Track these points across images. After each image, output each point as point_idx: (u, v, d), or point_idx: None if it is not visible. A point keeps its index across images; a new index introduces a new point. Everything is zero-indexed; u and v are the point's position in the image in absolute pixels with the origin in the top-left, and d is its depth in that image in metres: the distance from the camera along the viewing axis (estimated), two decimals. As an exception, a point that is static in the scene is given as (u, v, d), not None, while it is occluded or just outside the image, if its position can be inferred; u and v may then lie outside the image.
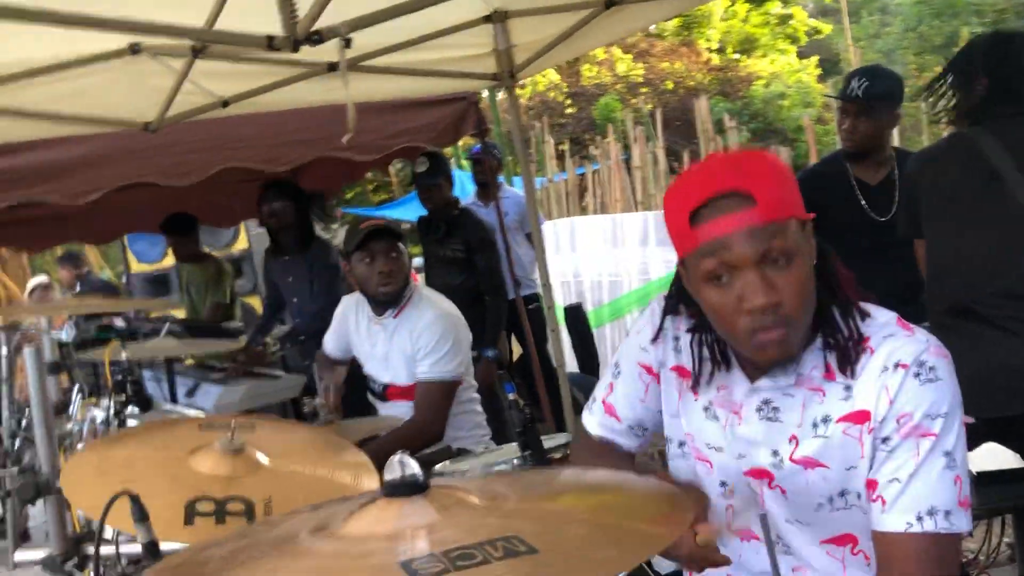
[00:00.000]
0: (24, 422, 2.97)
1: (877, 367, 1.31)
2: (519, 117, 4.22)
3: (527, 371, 4.91)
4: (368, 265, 2.91)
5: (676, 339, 1.54)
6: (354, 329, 3.16)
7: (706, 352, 1.46)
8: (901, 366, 1.29)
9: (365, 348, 3.12)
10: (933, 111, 2.72)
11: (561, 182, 9.19)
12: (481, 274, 4.48)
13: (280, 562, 0.86)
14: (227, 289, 5.80)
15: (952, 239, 2.59)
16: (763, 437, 1.41)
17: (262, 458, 1.62)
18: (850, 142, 3.24)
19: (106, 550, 1.63)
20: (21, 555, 1.96)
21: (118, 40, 2.89)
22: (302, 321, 4.51)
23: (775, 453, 1.40)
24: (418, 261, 5.42)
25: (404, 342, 2.95)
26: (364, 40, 2.76)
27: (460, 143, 5.84)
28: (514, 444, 2.47)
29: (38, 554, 1.85)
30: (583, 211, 8.78)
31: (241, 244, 8.10)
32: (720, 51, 18.98)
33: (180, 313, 5.58)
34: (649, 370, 1.58)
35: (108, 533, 1.61)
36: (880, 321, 1.37)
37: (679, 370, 1.53)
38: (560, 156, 10.32)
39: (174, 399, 3.75)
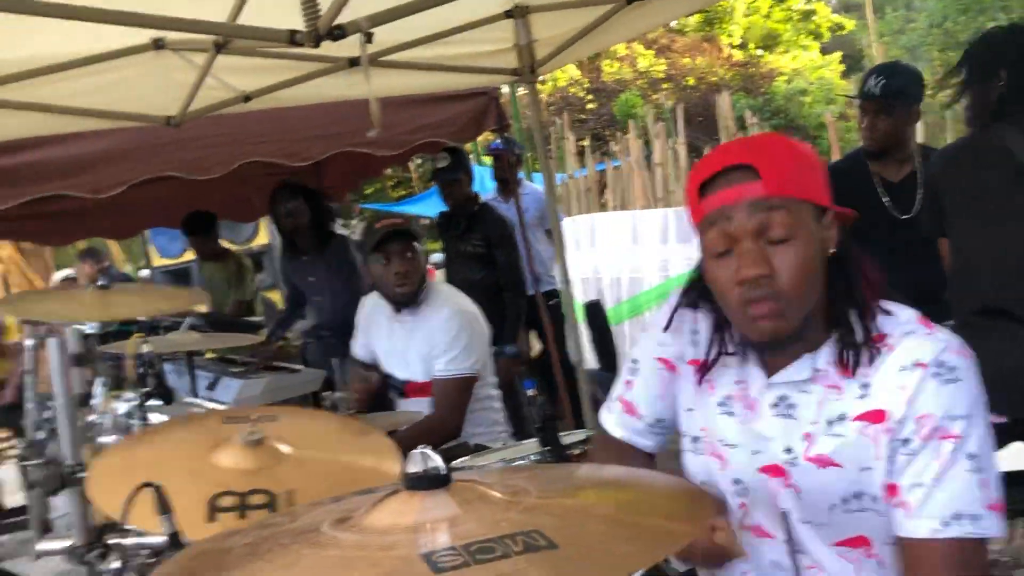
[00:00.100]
0: (48, 414, 2.99)
1: (895, 365, 1.29)
2: (539, 113, 4.22)
3: (546, 367, 4.90)
4: (384, 266, 2.92)
5: (695, 332, 1.53)
6: (375, 327, 3.17)
7: (725, 346, 1.45)
8: (920, 365, 1.27)
9: (384, 346, 3.14)
10: (945, 107, 2.70)
11: (581, 178, 9.17)
12: (501, 270, 4.48)
13: (303, 551, 0.86)
14: (248, 286, 5.84)
15: (979, 237, 2.56)
16: (778, 433, 1.40)
17: (284, 448, 1.63)
18: (869, 140, 3.22)
19: (129, 541, 1.64)
20: (44, 545, 1.98)
21: (142, 35, 2.92)
22: (325, 318, 4.52)
23: (789, 450, 1.38)
24: (438, 256, 5.43)
25: (421, 339, 2.96)
26: (385, 35, 2.77)
27: (479, 139, 5.85)
28: (533, 440, 2.47)
29: (61, 544, 1.86)
30: (603, 208, 8.76)
31: (261, 239, 8.15)
32: (742, 47, 18.90)
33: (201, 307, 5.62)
34: (668, 364, 1.57)
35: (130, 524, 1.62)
36: (901, 319, 1.35)
37: (696, 363, 1.52)
38: (580, 152, 10.30)
39: (195, 392, 3.79)
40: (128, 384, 2.88)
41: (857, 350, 1.32)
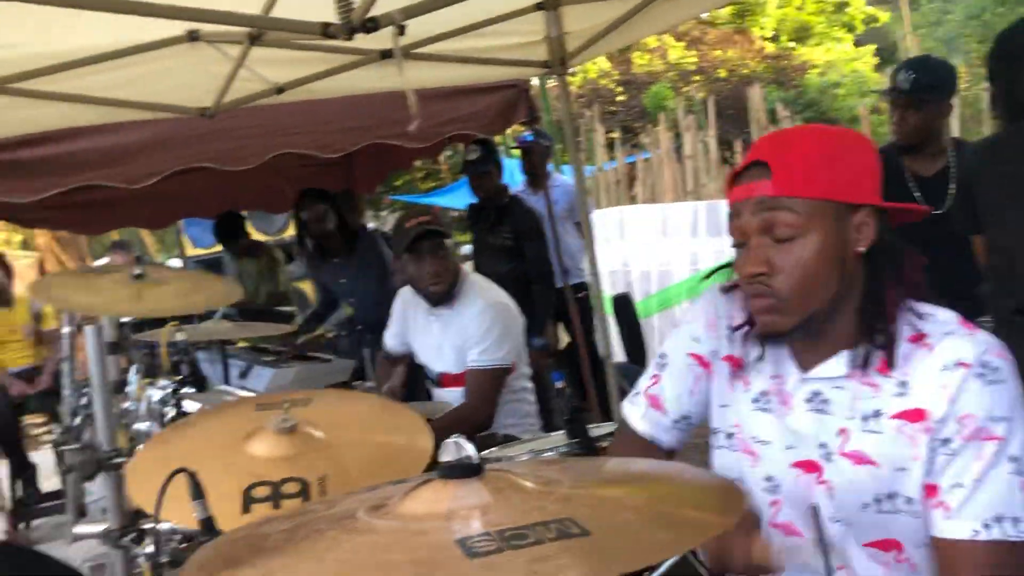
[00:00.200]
0: (85, 400, 3.05)
1: (936, 365, 1.28)
2: (569, 105, 4.21)
3: (574, 360, 4.91)
4: (417, 266, 2.94)
5: (731, 327, 1.52)
6: (411, 321, 3.20)
7: (759, 340, 1.45)
8: (962, 365, 1.26)
9: (420, 339, 3.17)
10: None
11: (611, 171, 9.14)
12: (529, 262, 4.49)
13: (340, 537, 0.88)
14: (280, 277, 5.92)
15: (1018, 234, 2.52)
16: (812, 429, 1.39)
17: (316, 433, 1.64)
18: (900, 135, 3.18)
19: (163, 526, 1.67)
20: (80, 528, 2.02)
21: (177, 27, 2.95)
22: (358, 316, 4.56)
23: (823, 446, 1.37)
24: (467, 248, 5.44)
25: (455, 332, 2.99)
26: (416, 27, 2.78)
27: (509, 131, 5.85)
28: (561, 432, 2.48)
29: (97, 528, 1.89)
30: (632, 200, 8.73)
31: (293, 230, 8.21)
32: (774, 39, 18.72)
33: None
34: (701, 360, 1.56)
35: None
36: (940, 319, 1.34)
37: (731, 359, 1.51)
38: (610, 145, 10.27)
39: (227, 381, 3.83)
40: (162, 372, 2.92)
41: (888, 347, 1.31)
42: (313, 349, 4.42)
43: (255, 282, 5.79)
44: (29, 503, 5.55)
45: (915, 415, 1.29)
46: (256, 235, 7.50)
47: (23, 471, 5.61)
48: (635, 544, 0.82)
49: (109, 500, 1.87)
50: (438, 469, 0.94)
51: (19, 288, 6.22)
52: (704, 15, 17.08)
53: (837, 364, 1.37)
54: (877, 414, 1.33)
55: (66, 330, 3.05)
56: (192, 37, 3.01)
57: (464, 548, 0.79)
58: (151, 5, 2.25)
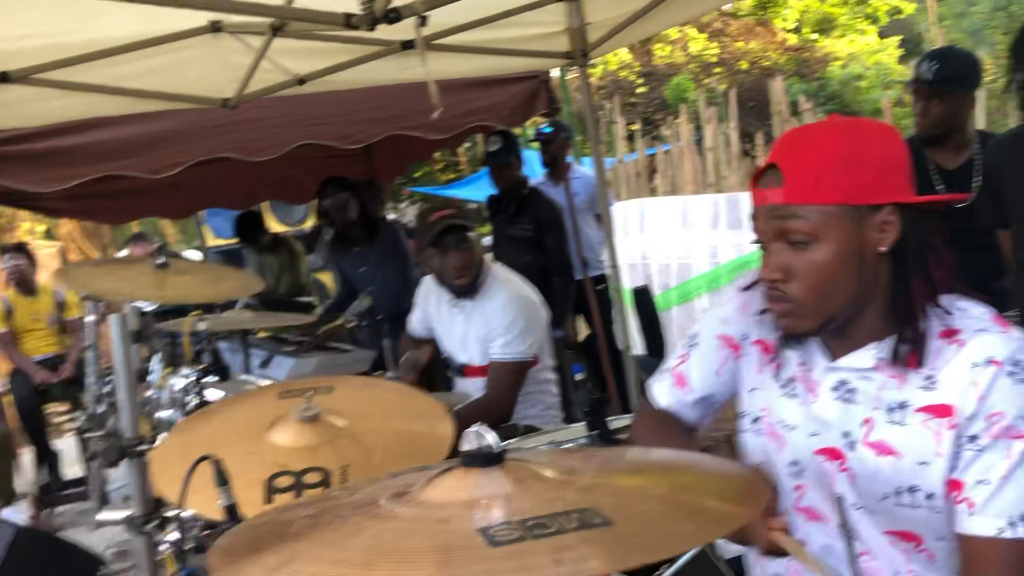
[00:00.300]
0: (108, 388, 3.08)
1: (966, 362, 1.28)
2: (590, 96, 4.19)
3: (593, 352, 4.90)
4: (442, 259, 2.94)
5: (762, 312, 1.52)
6: (434, 310, 3.21)
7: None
8: (994, 363, 1.26)
9: (444, 328, 3.18)
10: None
11: (631, 163, 9.11)
12: (549, 254, 4.48)
13: (363, 523, 0.88)
14: (300, 269, 5.95)
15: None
16: (836, 417, 1.39)
17: (338, 421, 1.65)
18: (922, 126, 3.14)
19: (187, 513, 1.68)
20: (104, 515, 2.04)
21: (199, 18, 2.96)
22: (378, 305, 4.57)
23: (847, 434, 1.38)
24: (486, 240, 5.44)
25: (479, 324, 2.99)
26: (437, 18, 2.78)
27: (528, 123, 5.86)
28: (581, 424, 2.48)
29: (120, 514, 1.91)
30: (652, 192, 8.70)
31: (313, 220, 8.24)
32: (797, 31, 18.56)
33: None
34: (730, 342, 1.57)
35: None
36: (974, 314, 1.33)
37: (762, 344, 1.52)
38: (630, 137, 10.23)
39: (249, 370, 3.85)
40: (184, 361, 2.94)
41: (917, 344, 1.31)
42: (333, 339, 4.44)
43: (276, 275, 5.83)
44: (53, 490, 5.62)
45: (941, 410, 1.29)
46: (276, 225, 7.55)
47: (47, 458, 5.68)
48: (658, 535, 0.82)
49: (132, 487, 1.88)
50: (460, 457, 0.94)
51: (42, 277, 6.29)
52: (726, 6, 16.97)
53: (865, 355, 1.37)
54: (902, 406, 1.32)
55: (90, 318, 3.08)
56: (214, 28, 3.03)
57: (486, 537, 0.80)
58: (175, -4, 2.26)
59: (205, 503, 1.42)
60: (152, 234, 10.26)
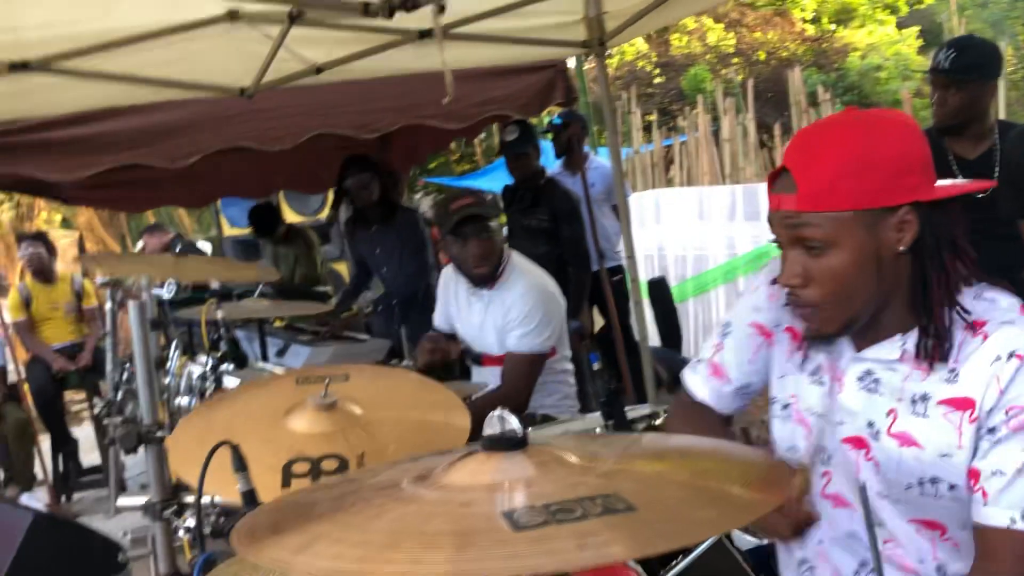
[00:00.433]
0: (126, 375, 3.10)
1: (989, 355, 1.27)
2: (608, 86, 4.17)
3: (609, 343, 4.89)
4: (462, 248, 2.93)
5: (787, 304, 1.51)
6: (453, 299, 3.20)
7: None
8: (1017, 356, 1.25)
9: (463, 317, 3.17)
10: None
11: (647, 153, 9.08)
12: (565, 244, 4.47)
13: (385, 505, 0.88)
14: (317, 260, 5.96)
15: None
16: (861, 407, 1.39)
17: (355, 410, 1.65)
18: (939, 116, 3.11)
19: (205, 499, 1.69)
20: (123, 501, 2.05)
21: (217, 7, 2.97)
22: (390, 289, 4.57)
23: (871, 424, 1.38)
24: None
25: (497, 314, 2.99)
26: (456, 7, 2.77)
27: (544, 113, 5.86)
28: (597, 413, 2.48)
29: (139, 500, 1.92)
30: (669, 184, 8.67)
31: (328, 210, 8.24)
32: (815, 21, 18.40)
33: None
34: (762, 330, 1.56)
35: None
36: (1001, 305, 1.32)
37: (792, 331, 1.52)
38: (647, 127, 10.19)
39: (265, 358, 3.87)
40: (200, 349, 2.96)
41: (936, 340, 1.30)
42: (349, 328, 4.45)
43: (291, 265, 5.84)
44: (70, 477, 5.67)
45: (962, 403, 1.28)
46: (292, 215, 7.56)
47: (65, 446, 5.72)
48: (681, 521, 0.81)
49: (150, 473, 1.89)
50: (482, 441, 0.94)
51: (60, 266, 6.32)
52: (744, -3, 16.87)
53: (891, 346, 1.36)
54: (925, 398, 1.32)
55: (108, 305, 3.10)
56: (232, 16, 3.03)
57: (510, 521, 0.79)
58: (193, -17, 2.26)
59: (222, 487, 1.42)
60: (168, 224, 10.29)
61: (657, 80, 16.23)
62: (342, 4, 2.40)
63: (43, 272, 5.86)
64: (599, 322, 5.20)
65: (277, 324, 4.75)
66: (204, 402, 2.55)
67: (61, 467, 5.66)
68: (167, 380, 2.92)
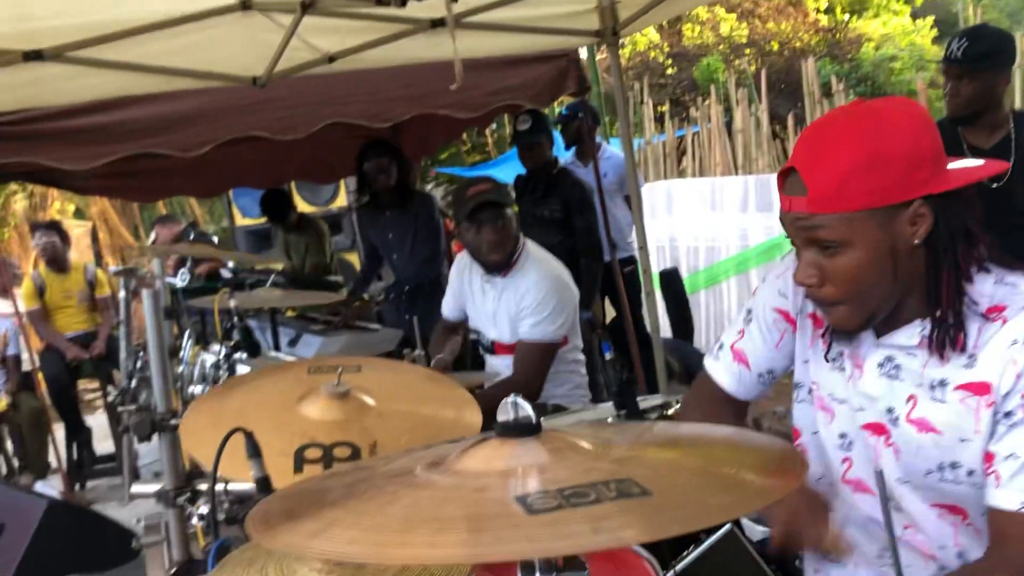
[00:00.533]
0: (140, 363, 3.12)
1: (1007, 339, 1.27)
2: (621, 75, 4.16)
3: (620, 334, 4.89)
4: (476, 234, 2.93)
5: None
6: (467, 286, 3.20)
7: None
8: None
9: (476, 304, 3.17)
10: None
11: (659, 144, 9.05)
12: (578, 235, 4.46)
13: (399, 491, 0.88)
14: (327, 250, 5.98)
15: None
16: (881, 393, 1.39)
17: (368, 400, 1.66)
18: (952, 105, 3.09)
19: (218, 486, 1.70)
20: (137, 488, 2.06)
21: (230, -5, 2.97)
22: (401, 275, 4.57)
23: (891, 410, 1.38)
24: (514, 220, 5.42)
25: (510, 302, 2.98)
26: (469, -5, 2.77)
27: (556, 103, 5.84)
28: (609, 403, 2.48)
29: (152, 488, 1.93)
30: (681, 174, 8.64)
31: (340, 201, 8.25)
32: (828, 11, 18.29)
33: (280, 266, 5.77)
34: (786, 316, 1.56)
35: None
36: (1022, 290, 1.31)
37: (814, 317, 1.52)
38: (659, 118, 10.16)
39: (277, 348, 3.88)
40: (212, 338, 2.97)
41: (948, 330, 1.30)
42: (360, 318, 4.46)
43: (301, 255, 5.86)
44: (84, 465, 5.71)
45: (980, 388, 1.29)
46: (303, 206, 7.57)
47: (78, 434, 5.76)
48: (695, 506, 0.81)
49: (164, 460, 1.90)
50: (496, 427, 0.94)
51: (74, 255, 6.36)
52: (757, -13, 16.76)
53: (910, 332, 1.36)
54: (943, 384, 1.33)
55: (122, 294, 3.11)
56: (244, 5, 3.03)
57: (523, 505, 0.79)
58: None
59: (234, 471, 1.42)
60: (179, 214, 10.33)
61: (669, 71, 16.16)
62: (355, -8, 2.40)
63: (57, 261, 5.89)
64: (611, 313, 5.20)
65: (289, 314, 4.76)
66: (217, 387, 2.56)
67: (75, 455, 5.70)
68: (180, 368, 2.94)
